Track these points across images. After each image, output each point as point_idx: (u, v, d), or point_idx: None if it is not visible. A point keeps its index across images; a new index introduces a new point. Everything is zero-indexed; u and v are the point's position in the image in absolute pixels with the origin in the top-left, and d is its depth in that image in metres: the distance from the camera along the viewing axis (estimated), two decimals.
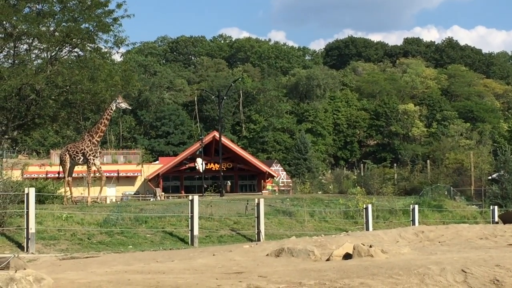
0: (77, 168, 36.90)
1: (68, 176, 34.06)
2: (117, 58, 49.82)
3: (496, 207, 40.52)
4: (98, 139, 33.53)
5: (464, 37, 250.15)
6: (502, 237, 19.72)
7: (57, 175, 49.05)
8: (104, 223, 25.78)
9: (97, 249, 22.20)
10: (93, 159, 33.35)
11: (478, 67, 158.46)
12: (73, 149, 33.45)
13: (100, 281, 10.30)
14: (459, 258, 13.52)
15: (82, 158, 33.30)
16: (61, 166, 35.18)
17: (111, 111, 34.27)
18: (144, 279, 10.68)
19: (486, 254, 14.40)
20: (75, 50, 43.47)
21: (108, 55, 44.49)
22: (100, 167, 34.76)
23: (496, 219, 36.54)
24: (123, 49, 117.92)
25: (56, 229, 23.76)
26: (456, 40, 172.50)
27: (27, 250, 20.74)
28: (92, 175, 35.30)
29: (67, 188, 33.92)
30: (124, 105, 34.79)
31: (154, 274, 11.92)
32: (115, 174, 69.87)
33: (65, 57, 43.13)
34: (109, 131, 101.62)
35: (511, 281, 10.94)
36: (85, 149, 33.09)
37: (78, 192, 41.94)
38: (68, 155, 33.42)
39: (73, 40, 41.06)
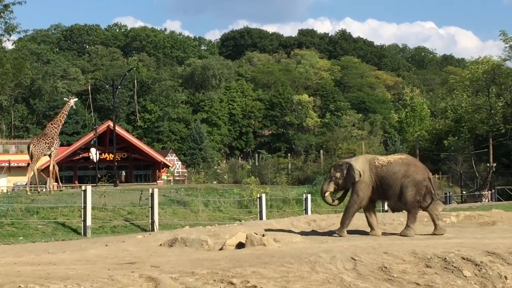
0: None
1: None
2: (9, 46, 48.74)
3: None
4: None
5: (357, 29, 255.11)
6: (391, 225, 20.19)
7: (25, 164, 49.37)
8: None
9: None
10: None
11: (370, 59, 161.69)
12: (50, 140, 34.21)
13: None
14: (349, 246, 13.82)
15: (51, 148, 34.41)
16: (34, 157, 34.68)
17: (68, 107, 35.90)
18: (34, 270, 10.52)
19: (375, 242, 14.77)
20: None
21: None
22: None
23: (386, 207, 37.33)
24: (14, 37, 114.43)
25: None
26: (349, 32, 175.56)
27: None
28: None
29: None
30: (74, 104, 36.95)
31: (44, 265, 11.74)
32: (6, 164, 68.22)
33: None
34: (0, 120, 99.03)
35: (399, 268, 11.25)
36: (55, 141, 34.21)
37: None
38: (47, 147, 34.12)
39: None
